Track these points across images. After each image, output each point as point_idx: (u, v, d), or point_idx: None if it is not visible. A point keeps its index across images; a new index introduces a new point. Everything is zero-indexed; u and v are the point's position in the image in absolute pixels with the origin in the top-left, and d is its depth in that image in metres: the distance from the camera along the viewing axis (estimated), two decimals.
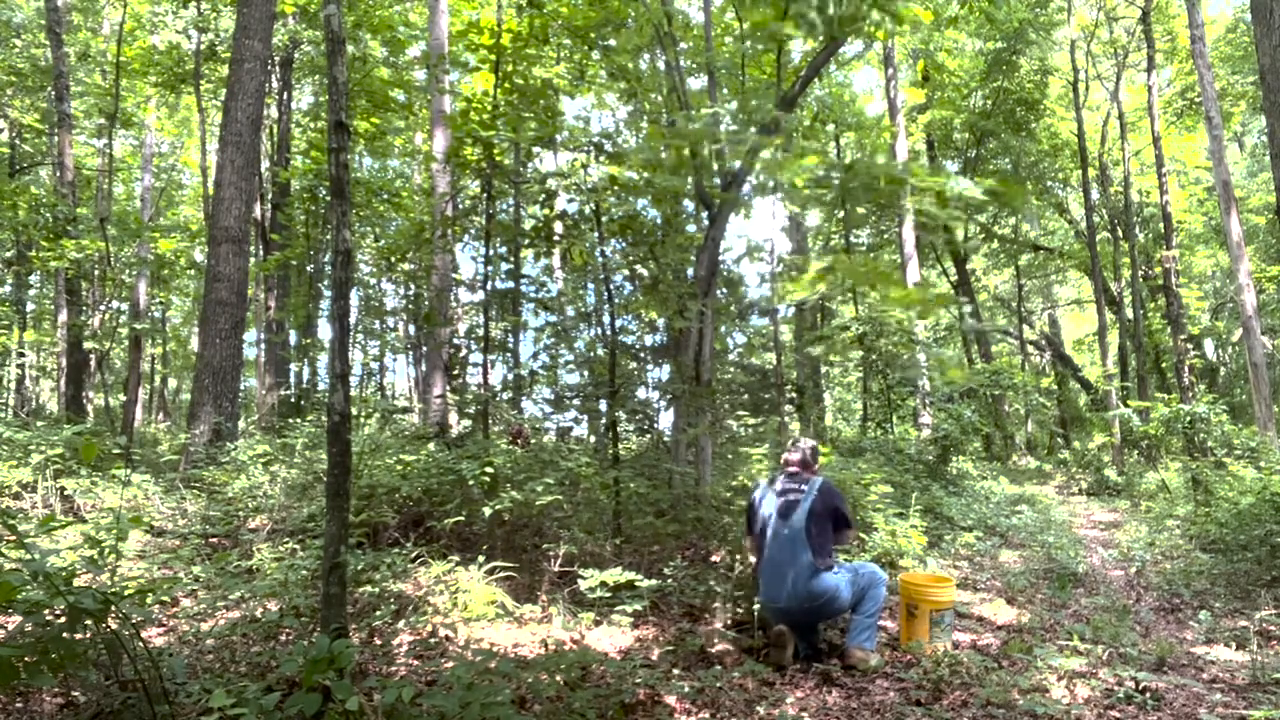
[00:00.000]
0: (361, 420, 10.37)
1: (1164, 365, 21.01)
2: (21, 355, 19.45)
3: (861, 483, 7.10)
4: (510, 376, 10.21)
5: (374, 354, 21.47)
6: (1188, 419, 10.62)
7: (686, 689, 3.44)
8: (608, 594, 4.54)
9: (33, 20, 15.41)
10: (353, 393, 8.28)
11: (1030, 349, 26.64)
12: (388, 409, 11.45)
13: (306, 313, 14.74)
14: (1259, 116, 20.19)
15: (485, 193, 7.92)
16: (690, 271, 7.56)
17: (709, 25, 8.48)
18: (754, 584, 4.42)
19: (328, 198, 13.47)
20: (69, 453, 6.42)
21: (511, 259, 8.80)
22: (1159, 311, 20.41)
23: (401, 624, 4.20)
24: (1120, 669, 3.93)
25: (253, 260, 11.83)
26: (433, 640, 4.03)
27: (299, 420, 9.22)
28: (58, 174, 12.09)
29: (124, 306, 16.04)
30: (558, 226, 7.38)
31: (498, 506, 5.12)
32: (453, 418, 9.80)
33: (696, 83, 11.12)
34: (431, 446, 7.20)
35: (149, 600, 3.02)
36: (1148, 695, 3.59)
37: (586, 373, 7.78)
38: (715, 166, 6.36)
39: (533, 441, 8.70)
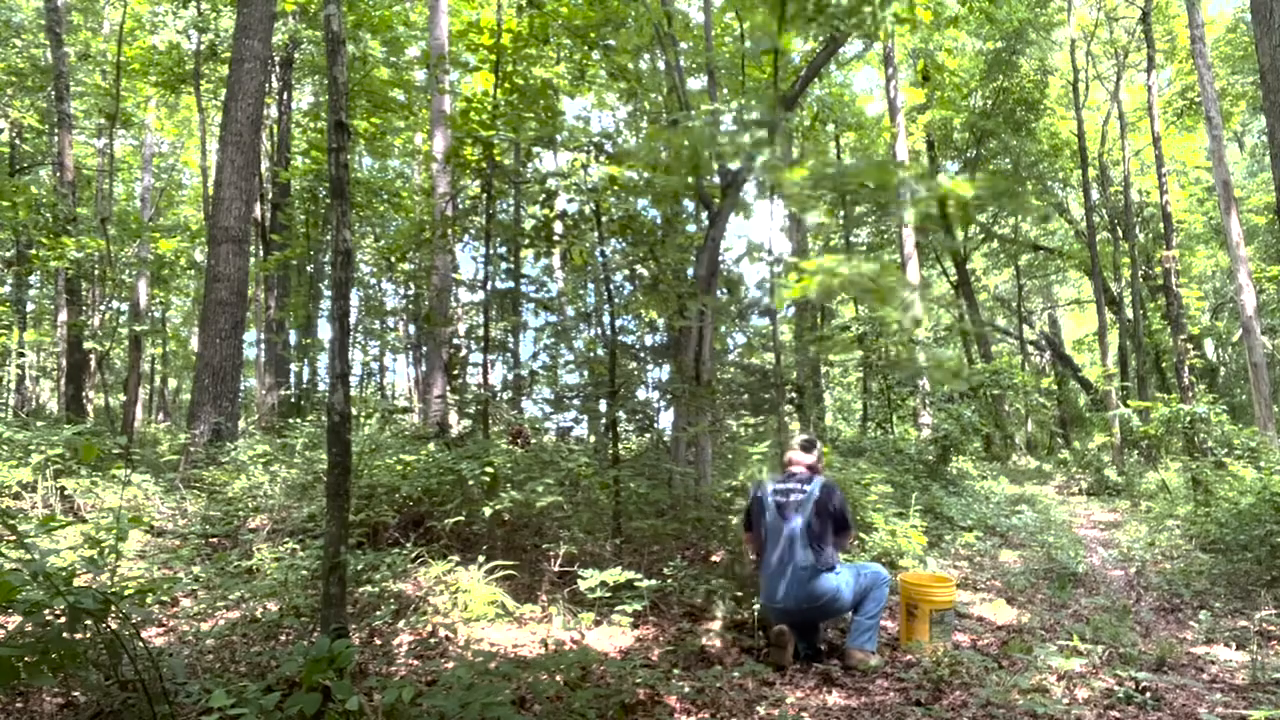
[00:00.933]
0: (361, 420, 10.37)
1: (1164, 365, 21.01)
2: (21, 355, 19.46)
3: (861, 483, 7.11)
4: (510, 376, 10.22)
5: (374, 354, 21.51)
6: (1188, 419, 10.61)
7: (686, 689, 3.44)
8: (608, 594, 4.53)
9: (33, 20, 15.38)
10: (353, 393, 8.29)
11: (1030, 349, 26.65)
12: (388, 409, 11.45)
13: (306, 313, 14.76)
14: (1259, 116, 20.19)
15: (485, 193, 7.91)
16: (690, 271, 7.56)
17: (709, 25, 8.50)
18: (753, 583, 4.42)
19: (328, 198, 13.50)
20: (69, 453, 6.40)
21: (511, 259, 8.81)
22: (1159, 311, 20.41)
23: (401, 624, 4.20)
24: (1120, 669, 3.93)
25: (253, 260, 11.83)
26: (433, 640, 4.03)
27: (299, 420, 9.22)
28: (58, 174, 12.08)
29: (124, 306, 16.06)
30: (558, 226, 7.37)
31: (498, 506, 5.12)
32: (453, 418, 9.80)
33: (696, 83, 11.14)
34: (431, 446, 7.19)
35: (149, 600, 3.02)
36: (1148, 695, 3.59)
37: (586, 373, 7.77)
38: (715, 166, 6.36)
39: (533, 441, 8.70)
